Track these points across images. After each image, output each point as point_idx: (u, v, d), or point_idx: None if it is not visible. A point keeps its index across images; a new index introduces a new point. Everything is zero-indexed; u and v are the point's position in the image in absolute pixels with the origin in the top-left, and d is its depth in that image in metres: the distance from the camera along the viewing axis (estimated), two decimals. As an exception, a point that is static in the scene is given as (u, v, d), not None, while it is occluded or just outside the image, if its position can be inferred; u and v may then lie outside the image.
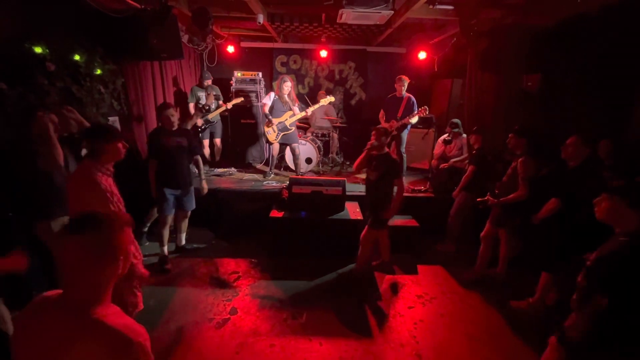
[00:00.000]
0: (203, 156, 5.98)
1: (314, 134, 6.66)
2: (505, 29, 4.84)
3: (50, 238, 2.82)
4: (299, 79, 7.78)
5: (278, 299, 3.52)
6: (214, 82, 6.08)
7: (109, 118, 4.42)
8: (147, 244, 4.48)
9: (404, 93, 5.42)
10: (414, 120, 5.28)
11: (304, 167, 6.07)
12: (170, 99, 6.02)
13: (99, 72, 4.22)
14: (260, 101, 6.59)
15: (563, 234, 3.10)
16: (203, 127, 5.84)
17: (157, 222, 4.11)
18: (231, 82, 6.69)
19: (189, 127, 5.02)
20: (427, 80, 7.40)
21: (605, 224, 1.88)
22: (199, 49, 6.72)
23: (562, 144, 3.16)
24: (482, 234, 3.84)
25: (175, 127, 3.87)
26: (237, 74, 6.70)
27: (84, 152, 3.26)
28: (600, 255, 1.82)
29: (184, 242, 4.39)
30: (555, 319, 2.12)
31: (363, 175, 4.27)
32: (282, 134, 5.56)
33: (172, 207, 3.97)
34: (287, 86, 5.45)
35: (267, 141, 5.79)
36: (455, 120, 5.11)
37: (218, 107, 5.84)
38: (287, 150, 6.01)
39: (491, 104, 5.26)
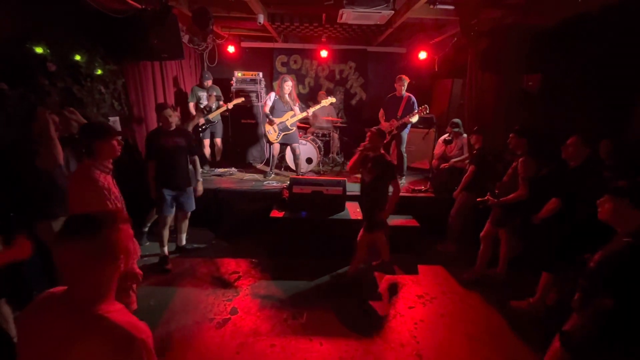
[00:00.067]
0: (202, 156, 6.00)
1: (315, 134, 6.66)
2: (506, 29, 4.84)
3: (51, 238, 2.82)
4: (299, 79, 7.78)
5: (278, 299, 3.52)
6: (214, 82, 6.08)
7: (110, 118, 4.43)
8: (148, 243, 4.49)
9: (404, 92, 5.42)
10: (414, 119, 5.28)
11: (304, 167, 6.08)
12: (171, 99, 6.03)
13: (99, 72, 4.23)
14: (261, 101, 6.60)
15: (563, 234, 3.10)
16: (204, 127, 5.84)
17: (157, 222, 4.11)
18: (232, 82, 6.70)
19: (191, 127, 5.03)
20: (428, 80, 7.40)
21: (606, 224, 1.88)
22: (200, 49, 6.72)
23: (562, 144, 3.17)
24: (481, 233, 3.84)
25: (174, 127, 3.88)
26: (238, 74, 6.71)
27: None
28: (603, 256, 1.82)
29: (184, 242, 4.39)
30: (556, 320, 2.11)
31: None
32: (282, 134, 5.56)
33: (172, 208, 3.97)
34: (288, 86, 5.45)
35: (268, 141, 5.79)
36: (456, 120, 5.11)
37: (219, 107, 5.85)
38: (288, 150, 6.01)
39: (491, 103, 5.25)
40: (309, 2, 5.10)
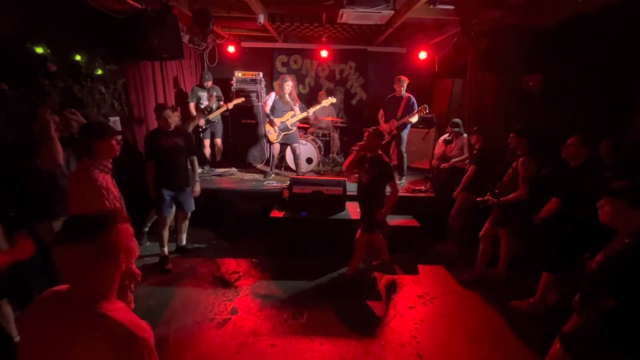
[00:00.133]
0: (203, 156, 6.00)
1: (315, 134, 6.66)
2: (506, 29, 4.84)
3: (52, 238, 2.82)
4: (299, 79, 7.78)
5: (279, 299, 3.53)
6: (214, 82, 6.08)
7: (110, 118, 4.43)
8: (148, 243, 4.49)
9: (404, 93, 5.42)
10: (414, 119, 5.28)
11: (304, 167, 6.08)
12: (171, 99, 6.03)
13: (99, 72, 4.23)
14: (261, 101, 6.60)
15: (563, 234, 3.10)
16: (204, 127, 5.85)
17: (157, 222, 4.11)
18: (232, 82, 6.71)
19: (191, 128, 5.03)
20: (428, 80, 7.40)
21: (606, 225, 1.88)
22: (200, 49, 6.72)
23: (562, 144, 3.17)
24: (480, 233, 3.84)
25: (172, 127, 3.88)
26: (238, 74, 6.71)
27: None
28: (605, 257, 1.82)
29: (184, 242, 4.40)
30: (556, 320, 2.11)
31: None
32: (283, 134, 5.56)
33: (171, 208, 3.97)
34: (289, 86, 5.45)
35: (268, 141, 5.79)
36: (456, 120, 5.10)
37: (219, 107, 5.85)
38: (288, 150, 6.01)
39: (492, 103, 5.25)
40: (309, 2, 5.10)
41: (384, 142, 5.57)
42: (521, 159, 3.45)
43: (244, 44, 7.43)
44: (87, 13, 3.91)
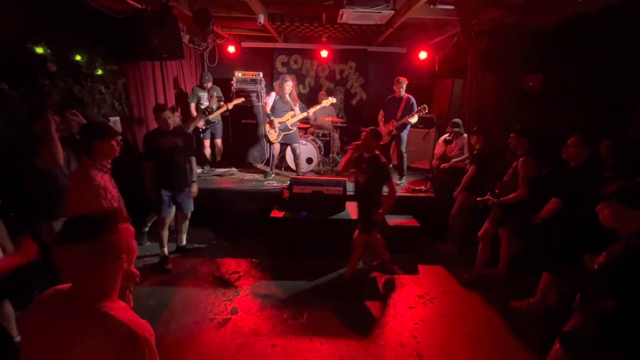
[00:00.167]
0: (203, 157, 6.01)
1: (315, 134, 6.66)
2: (506, 29, 4.84)
3: (52, 238, 2.83)
4: (299, 79, 7.78)
5: (279, 299, 3.53)
6: (214, 83, 6.08)
7: (110, 118, 4.43)
8: (148, 243, 4.49)
9: (403, 94, 5.42)
10: (413, 120, 5.28)
11: (304, 167, 6.08)
12: (171, 99, 6.04)
13: (100, 72, 4.23)
14: (261, 101, 6.60)
15: (563, 234, 3.10)
16: (204, 128, 5.85)
17: (157, 223, 4.11)
18: (232, 82, 6.70)
19: (192, 128, 5.03)
20: (428, 80, 7.40)
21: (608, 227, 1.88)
22: (200, 49, 6.72)
23: (562, 144, 3.17)
24: (479, 233, 3.83)
25: (172, 127, 3.88)
26: (238, 74, 6.71)
27: None
28: (607, 257, 1.82)
29: (184, 242, 4.40)
30: (556, 320, 2.11)
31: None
32: (283, 134, 5.56)
33: (170, 209, 3.97)
34: (289, 85, 5.45)
35: (268, 141, 5.79)
36: (456, 120, 5.10)
37: (219, 107, 5.85)
38: (288, 150, 6.01)
39: (492, 103, 5.26)
40: (309, 2, 5.10)
41: (383, 143, 5.64)
42: (521, 159, 3.45)
43: (244, 44, 7.43)
44: (87, 13, 3.91)
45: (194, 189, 4.14)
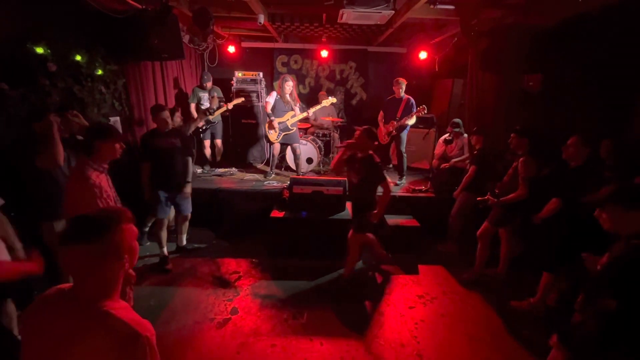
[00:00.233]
0: (203, 157, 6.01)
1: (315, 134, 6.66)
2: (506, 29, 4.84)
3: (53, 239, 2.83)
4: (299, 79, 7.78)
5: (279, 299, 3.53)
6: (215, 83, 6.08)
7: (110, 118, 4.43)
8: (148, 243, 4.49)
9: (403, 94, 5.42)
10: (411, 121, 5.28)
11: (304, 167, 6.08)
12: (172, 100, 6.04)
13: (100, 72, 4.23)
14: (261, 101, 6.60)
15: (563, 234, 3.10)
16: (204, 128, 5.85)
17: (155, 224, 4.10)
18: (232, 82, 6.70)
19: (192, 129, 5.04)
20: (428, 80, 7.41)
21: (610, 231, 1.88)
22: (200, 49, 6.72)
23: (562, 144, 3.17)
24: (478, 232, 3.83)
25: (170, 127, 3.88)
26: (238, 74, 6.71)
27: None
28: (610, 259, 1.81)
29: (184, 242, 4.40)
30: (556, 319, 2.12)
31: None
32: (283, 134, 5.56)
33: (167, 210, 3.96)
34: (289, 85, 5.45)
35: (268, 141, 5.79)
36: (457, 120, 5.11)
37: (219, 107, 5.85)
38: (288, 150, 6.01)
39: (492, 103, 5.26)
40: (309, 2, 5.10)
41: (384, 143, 5.64)
42: (522, 159, 3.45)
43: (244, 44, 7.43)
44: (87, 13, 3.91)
45: (188, 189, 4.04)
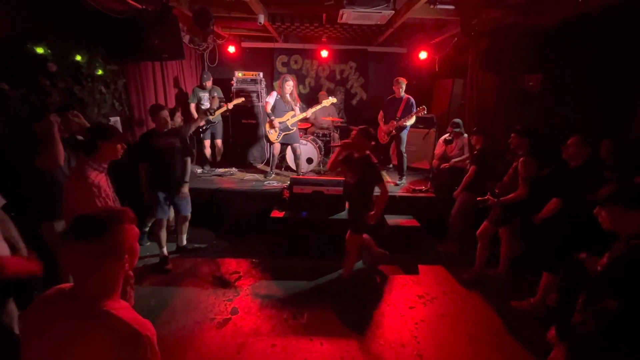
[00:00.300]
0: (203, 157, 6.01)
1: (315, 134, 6.66)
2: (506, 29, 4.83)
3: (53, 238, 2.84)
4: (299, 79, 7.78)
5: (279, 299, 3.53)
6: (215, 83, 6.08)
7: (110, 118, 4.43)
8: (148, 243, 4.49)
9: (403, 94, 5.42)
10: (410, 122, 5.29)
11: (304, 167, 6.08)
12: (172, 100, 6.04)
13: (100, 72, 4.23)
14: (261, 101, 6.60)
15: (564, 234, 3.10)
16: (204, 128, 5.85)
17: (154, 224, 4.09)
18: (232, 82, 6.70)
19: (193, 129, 5.03)
20: (428, 80, 7.41)
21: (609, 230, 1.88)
22: (200, 49, 6.72)
23: (563, 144, 3.17)
24: (478, 231, 3.83)
25: (169, 127, 3.87)
26: (238, 74, 6.71)
27: None
28: (610, 259, 1.81)
29: (185, 242, 4.40)
30: (556, 318, 2.12)
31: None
32: (283, 134, 5.56)
33: (167, 210, 3.96)
34: (290, 85, 5.45)
35: (268, 141, 5.79)
36: (457, 120, 5.11)
37: (219, 107, 5.85)
38: (288, 150, 6.01)
39: (492, 103, 5.26)
40: (310, 2, 5.10)
41: (383, 143, 5.64)
42: (522, 159, 3.45)
43: (244, 44, 7.43)
44: (87, 13, 3.91)
45: (185, 189, 4.01)
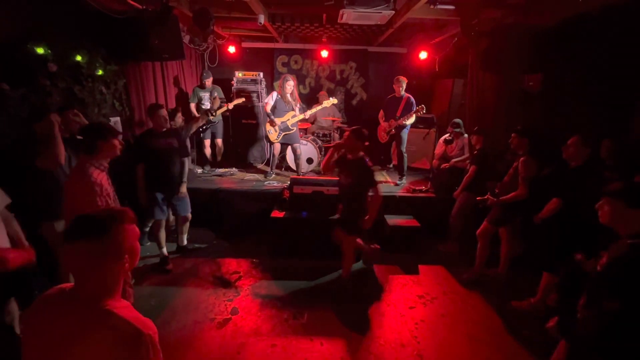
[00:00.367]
0: (204, 156, 6.01)
1: (315, 134, 6.66)
2: (506, 29, 4.84)
3: (54, 238, 2.84)
4: (300, 79, 7.76)
5: (279, 299, 3.53)
6: (215, 83, 6.07)
7: (111, 118, 4.43)
8: (149, 243, 4.49)
9: (403, 93, 5.42)
10: (410, 121, 5.28)
11: (305, 167, 6.08)
12: (172, 100, 6.04)
13: (100, 72, 4.23)
14: (262, 101, 6.60)
15: (564, 234, 3.10)
16: (205, 127, 5.85)
17: (153, 225, 4.09)
18: (232, 82, 6.70)
19: (194, 129, 5.04)
20: (428, 80, 7.41)
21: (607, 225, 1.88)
22: (200, 49, 6.73)
23: (562, 144, 3.17)
24: (478, 231, 3.83)
25: (168, 126, 3.87)
26: (238, 74, 6.71)
27: None
28: (610, 259, 1.81)
29: (185, 242, 4.40)
30: (556, 318, 2.12)
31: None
32: (283, 134, 5.56)
33: (165, 211, 3.95)
34: (290, 85, 5.45)
35: (269, 141, 5.79)
36: (457, 120, 5.10)
37: (220, 107, 5.85)
38: (288, 150, 6.02)
39: (492, 103, 5.26)
40: (310, 3, 5.10)
41: (383, 142, 5.64)
42: (522, 158, 3.45)
43: (245, 44, 7.44)
44: (87, 13, 3.91)
45: (183, 189, 4.00)
